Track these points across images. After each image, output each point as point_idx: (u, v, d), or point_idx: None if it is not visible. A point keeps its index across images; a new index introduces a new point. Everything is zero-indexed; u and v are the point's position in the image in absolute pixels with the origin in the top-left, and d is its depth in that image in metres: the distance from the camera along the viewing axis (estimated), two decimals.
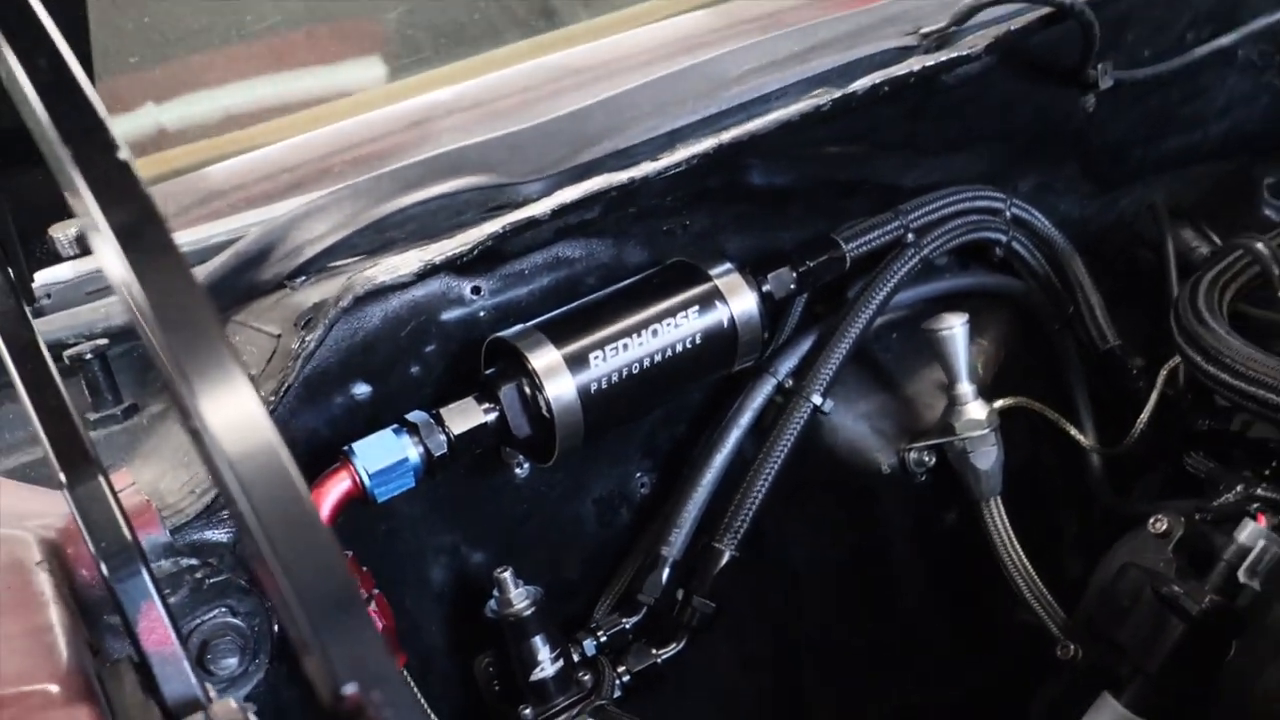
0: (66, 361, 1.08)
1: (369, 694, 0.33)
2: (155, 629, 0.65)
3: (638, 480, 1.18)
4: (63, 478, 0.69)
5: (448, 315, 1.02)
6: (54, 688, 0.63)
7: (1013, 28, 1.09)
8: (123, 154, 0.43)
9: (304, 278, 1.06)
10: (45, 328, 1.13)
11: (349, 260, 1.07)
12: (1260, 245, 1.20)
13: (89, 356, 1.08)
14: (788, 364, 1.16)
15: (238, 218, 1.25)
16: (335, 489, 0.90)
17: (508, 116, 1.45)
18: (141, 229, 0.40)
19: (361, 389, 1.00)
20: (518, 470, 1.06)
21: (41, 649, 0.67)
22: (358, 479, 0.90)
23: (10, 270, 0.88)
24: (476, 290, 1.03)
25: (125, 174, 0.42)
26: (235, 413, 0.39)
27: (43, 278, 1.21)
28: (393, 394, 1.01)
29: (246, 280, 1.09)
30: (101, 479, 0.68)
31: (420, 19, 1.68)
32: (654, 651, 1.07)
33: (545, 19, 1.73)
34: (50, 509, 0.87)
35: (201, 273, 1.10)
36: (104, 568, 0.65)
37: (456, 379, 1.04)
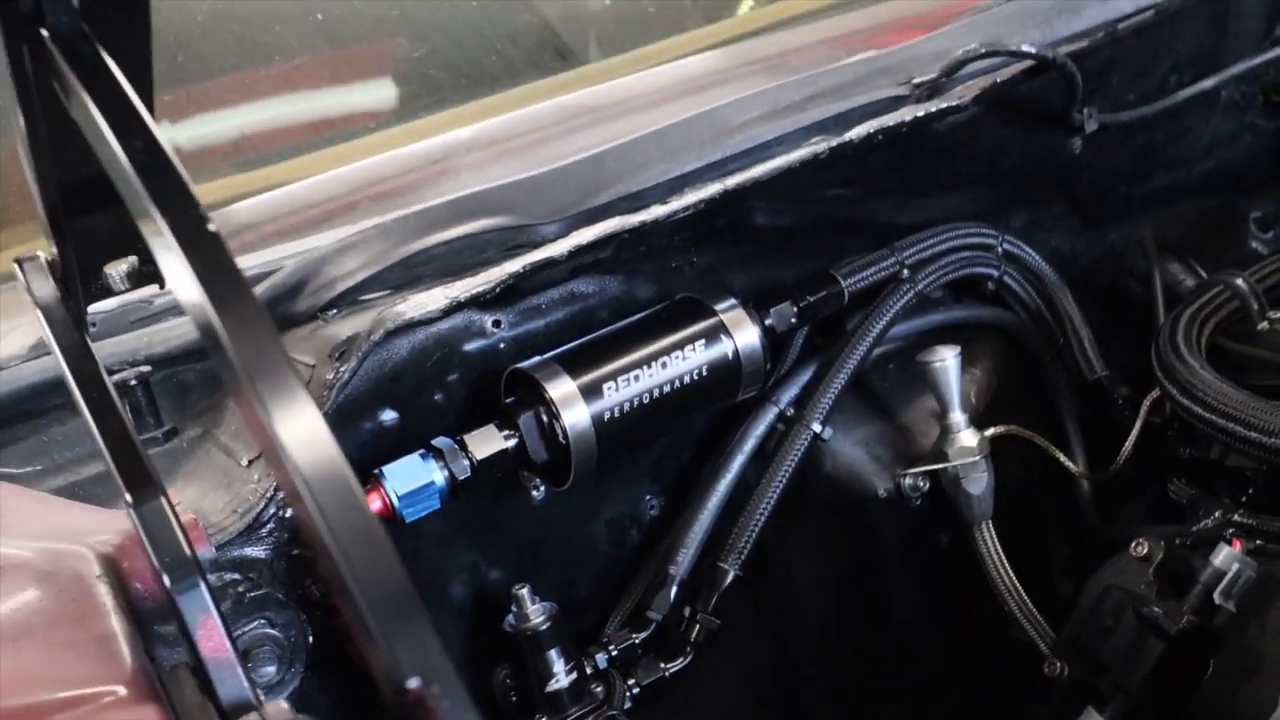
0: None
1: (429, 687, 0.40)
2: (212, 637, 0.72)
3: (647, 503, 1.24)
4: (128, 497, 0.75)
5: (470, 346, 1.09)
6: (122, 689, 0.69)
7: (999, 79, 1.16)
8: (211, 226, 0.50)
9: (336, 311, 1.13)
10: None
11: (378, 295, 1.14)
12: (1240, 281, 1.27)
13: (133, 382, 1.15)
14: (789, 393, 1.22)
15: (268, 251, 1.32)
16: None
17: (524, 154, 1.53)
18: (228, 292, 0.48)
19: (389, 415, 1.06)
20: (534, 493, 1.12)
21: (108, 654, 0.73)
22: (387, 500, 0.97)
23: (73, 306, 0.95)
24: (497, 323, 1.09)
25: (215, 243, 0.49)
26: (310, 438, 0.46)
27: (90, 308, 1.29)
28: (417, 420, 1.08)
29: (281, 312, 1.16)
30: (163, 499, 0.75)
31: (441, 59, 1.76)
32: (662, 665, 1.13)
33: (560, 59, 1.81)
34: (102, 525, 0.93)
35: None
36: (166, 580, 0.72)
37: (477, 406, 1.10)
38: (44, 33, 0.63)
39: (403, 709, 0.40)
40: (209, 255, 0.48)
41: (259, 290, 1.17)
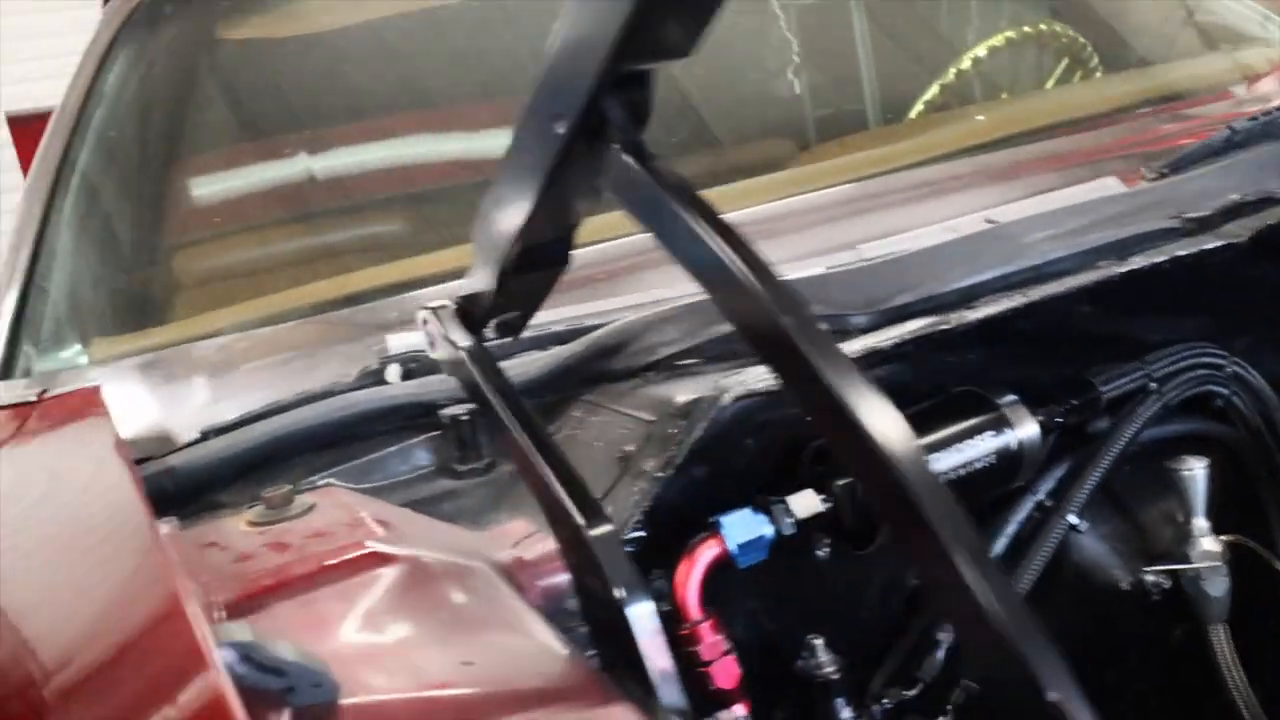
0: (444, 420, 1.31)
1: (1068, 702, 0.52)
2: (658, 650, 0.85)
3: (912, 571, 1.36)
4: (580, 520, 0.90)
5: (775, 415, 1.22)
6: (593, 688, 0.82)
7: (1269, 221, 1.28)
8: (823, 327, 0.65)
9: (655, 373, 1.27)
10: (419, 390, 1.36)
11: (692, 361, 1.29)
12: None
13: (464, 417, 1.30)
14: (1045, 485, 1.34)
15: (570, 309, 1.47)
16: (706, 554, 1.10)
17: (772, 239, 1.69)
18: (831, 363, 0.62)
19: (699, 470, 1.20)
20: (818, 553, 1.25)
21: (558, 657, 0.86)
22: (725, 547, 1.10)
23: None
24: None
25: (827, 339, 0.64)
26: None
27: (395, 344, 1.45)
28: (720, 478, 1.21)
29: (598, 367, 1.31)
30: (609, 525, 0.89)
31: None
32: None
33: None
34: (474, 545, 1.07)
35: (563, 354, 1.32)
36: (621, 593, 0.85)
37: (769, 469, 1.23)
38: (614, 146, 0.80)
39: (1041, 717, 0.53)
40: (820, 343, 0.63)
41: (578, 347, 1.33)
